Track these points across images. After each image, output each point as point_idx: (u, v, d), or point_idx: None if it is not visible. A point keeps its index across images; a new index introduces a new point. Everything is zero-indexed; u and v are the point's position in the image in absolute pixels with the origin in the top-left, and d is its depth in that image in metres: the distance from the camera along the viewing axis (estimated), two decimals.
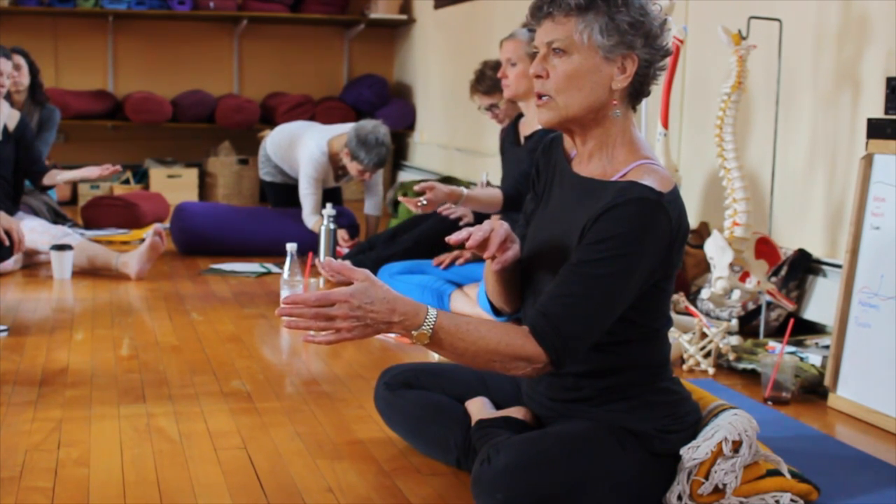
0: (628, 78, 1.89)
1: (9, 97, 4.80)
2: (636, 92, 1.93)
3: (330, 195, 5.06)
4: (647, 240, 1.82)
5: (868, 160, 2.78)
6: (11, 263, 4.38)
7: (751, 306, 3.54)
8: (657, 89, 3.71)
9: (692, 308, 3.23)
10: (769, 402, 2.78)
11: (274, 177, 5.30)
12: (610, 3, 1.85)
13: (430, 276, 3.96)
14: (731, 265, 3.22)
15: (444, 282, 3.93)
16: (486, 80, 4.27)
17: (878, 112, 2.99)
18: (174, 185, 7.15)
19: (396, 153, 7.96)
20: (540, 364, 1.82)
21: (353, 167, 4.78)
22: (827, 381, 2.79)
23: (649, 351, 1.97)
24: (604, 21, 1.85)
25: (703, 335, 3.11)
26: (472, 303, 3.71)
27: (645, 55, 1.88)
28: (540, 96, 1.93)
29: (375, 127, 4.73)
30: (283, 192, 5.27)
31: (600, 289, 1.82)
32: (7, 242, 3.65)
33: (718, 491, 1.94)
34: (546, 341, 1.81)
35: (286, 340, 3.45)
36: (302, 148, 4.96)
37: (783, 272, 3.52)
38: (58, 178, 4.85)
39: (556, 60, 1.89)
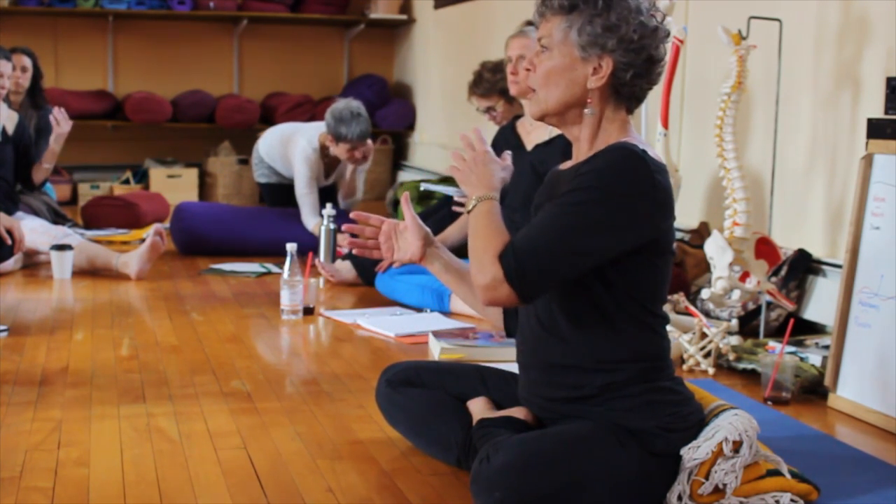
0: (602, 79, 1.95)
1: (6, 98, 4.80)
2: (619, 94, 1.98)
3: (325, 195, 5.04)
4: (622, 181, 1.87)
5: (868, 160, 2.78)
6: (11, 263, 4.38)
7: (751, 306, 3.54)
8: (657, 89, 3.71)
9: (692, 308, 3.23)
10: (769, 402, 2.78)
11: (269, 178, 5.30)
12: (591, 4, 1.92)
13: (431, 275, 3.96)
14: (731, 265, 3.22)
15: None
16: (484, 83, 4.27)
17: (878, 112, 2.99)
18: (174, 185, 7.15)
19: (396, 153, 7.96)
20: (498, 281, 1.87)
21: (340, 150, 4.78)
22: (827, 381, 2.79)
23: (647, 343, 1.97)
24: (581, 22, 1.93)
25: (703, 335, 3.11)
26: None
27: (621, 58, 1.93)
28: (532, 90, 2.03)
29: (347, 102, 4.77)
30: (279, 192, 5.27)
31: (564, 218, 1.88)
32: (9, 241, 3.65)
33: (719, 491, 1.94)
34: (504, 260, 1.88)
35: (286, 340, 3.45)
36: (295, 148, 4.96)
37: (783, 272, 3.52)
38: (44, 165, 4.87)
39: (542, 56, 1.98)
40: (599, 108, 1.98)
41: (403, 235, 2.22)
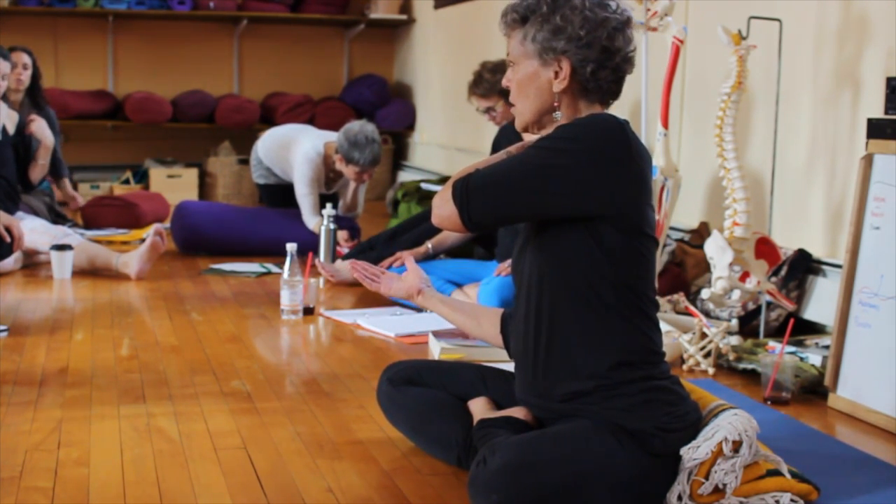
0: (564, 81, 2.00)
1: (5, 97, 4.80)
2: (588, 91, 2.01)
3: (325, 200, 5.03)
4: (597, 140, 1.91)
5: (868, 160, 2.78)
6: (11, 263, 4.38)
7: (751, 306, 3.54)
8: (657, 89, 3.71)
9: (692, 308, 3.23)
10: (769, 402, 2.78)
11: (267, 178, 5.29)
12: (538, 13, 1.99)
13: (431, 276, 3.96)
14: (731, 265, 3.22)
15: (444, 282, 3.93)
16: (484, 83, 4.27)
17: (878, 112, 2.99)
18: (174, 185, 7.15)
19: (396, 153, 7.97)
20: (446, 199, 1.99)
21: (350, 171, 4.76)
22: (827, 381, 2.79)
23: (641, 337, 1.97)
24: (533, 31, 2.00)
25: (703, 335, 3.11)
26: (472, 303, 3.71)
27: (575, 56, 1.98)
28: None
29: (363, 126, 4.73)
30: (277, 193, 5.26)
31: (526, 158, 1.96)
32: (7, 239, 3.65)
33: (718, 491, 1.94)
34: (457, 181, 1.99)
35: (286, 340, 3.45)
36: (297, 149, 4.95)
37: (783, 272, 3.52)
38: (39, 161, 4.81)
39: (512, 71, 2.06)
40: (572, 109, 2.02)
41: (404, 278, 2.43)
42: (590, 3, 1.97)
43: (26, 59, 5.36)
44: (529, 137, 2.16)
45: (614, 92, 2.04)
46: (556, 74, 1.99)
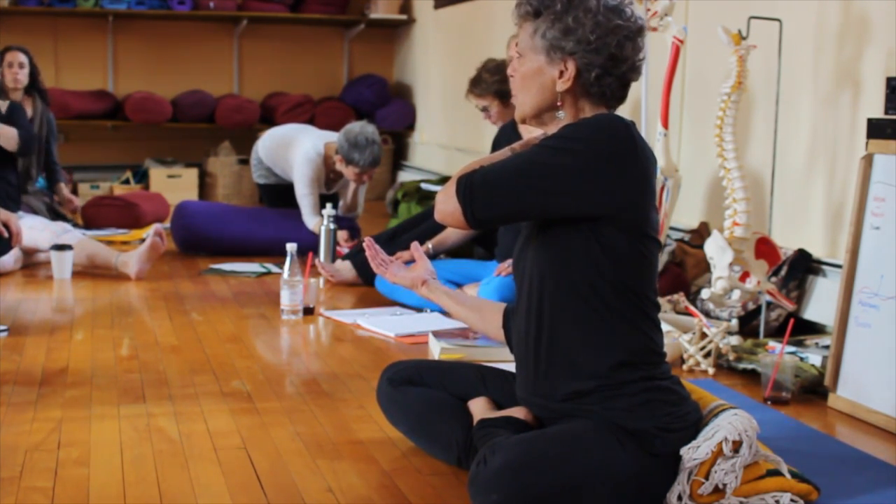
0: (568, 81, 1.99)
1: (5, 94, 4.79)
2: (590, 94, 2.00)
3: (325, 200, 5.03)
4: (601, 139, 1.91)
5: (868, 160, 2.78)
6: (11, 263, 4.38)
7: (751, 306, 3.54)
8: (657, 89, 3.71)
9: (692, 308, 3.23)
10: (769, 402, 2.78)
11: (267, 178, 5.29)
12: (551, 10, 1.98)
13: None
14: (731, 265, 3.22)
15: (444, 281, 3.93)
16: (481, 83, 4.27)
17: (878, 112, 2.99)
18: (174, 185, 7.15)
19: (396, 153, 7.97)
20: (450, 195, 1.98)
21: (349, 172, 4.76)
22: (827, 381, 2.79)
23: (641, 337, 1.98)
24: (545, 27, 1.99)
25: (703, 335, 3.11)
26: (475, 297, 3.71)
27: (582, 59, 1.97)
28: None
29: (363, 127, 4.73)
30: (277, 193, 5.26)
31: (530, 156, 1.96)
32: (5, 234, 3.65)
33: (718, 491, 1.94)
34: (461, 178, 1.99)
35: (286, 340, 3.45)
36: (297, 149, 4.95)
37: (783, 272, 3.52)
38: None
39: (518, 62, 2.05)
40: (575, 108, 2.01)
41: (411, 268, 2.42)
42: (604, 8, 1.95)
43: (22, 57, 5.35)
44: (530, 136, 2.15)
45: (619, 97, 2.03)
46: (561, 74, 1.98)
